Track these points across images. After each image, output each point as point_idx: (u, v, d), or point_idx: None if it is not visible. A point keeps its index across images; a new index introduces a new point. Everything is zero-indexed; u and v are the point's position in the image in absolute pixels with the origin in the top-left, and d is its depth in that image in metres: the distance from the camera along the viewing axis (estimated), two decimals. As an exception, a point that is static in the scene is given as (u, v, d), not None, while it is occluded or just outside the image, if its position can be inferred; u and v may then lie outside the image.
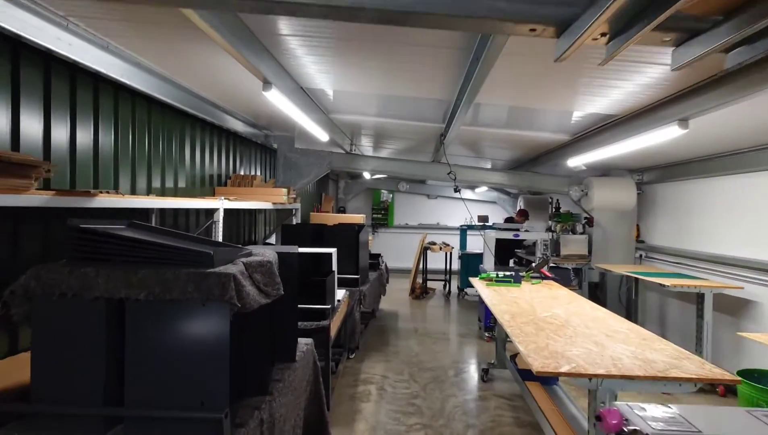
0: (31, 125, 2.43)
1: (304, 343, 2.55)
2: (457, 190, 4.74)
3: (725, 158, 4.58)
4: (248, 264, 1.74)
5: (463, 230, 9.06)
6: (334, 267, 4.00)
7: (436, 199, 12.14)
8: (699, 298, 4.31)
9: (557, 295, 3.81)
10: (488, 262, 6.17)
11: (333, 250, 4.00)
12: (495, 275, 4.29)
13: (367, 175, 10.64)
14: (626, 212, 5.93)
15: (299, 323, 3.21)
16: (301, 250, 4.01)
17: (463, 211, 12.11)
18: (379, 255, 7.09)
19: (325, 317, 3.42)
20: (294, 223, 6.34)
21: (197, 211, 4.14)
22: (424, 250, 9.01)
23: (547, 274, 4.33)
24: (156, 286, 1.44)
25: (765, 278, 4.07)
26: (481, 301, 6.34)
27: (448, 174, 4.72)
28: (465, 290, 8.85)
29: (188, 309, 1.47)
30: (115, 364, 1.47)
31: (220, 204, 3.79)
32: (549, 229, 6.33)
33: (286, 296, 1.99)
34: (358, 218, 8.26)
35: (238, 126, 5.63)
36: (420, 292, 8.73)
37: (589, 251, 6.63)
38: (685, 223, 5.31)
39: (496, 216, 11.30)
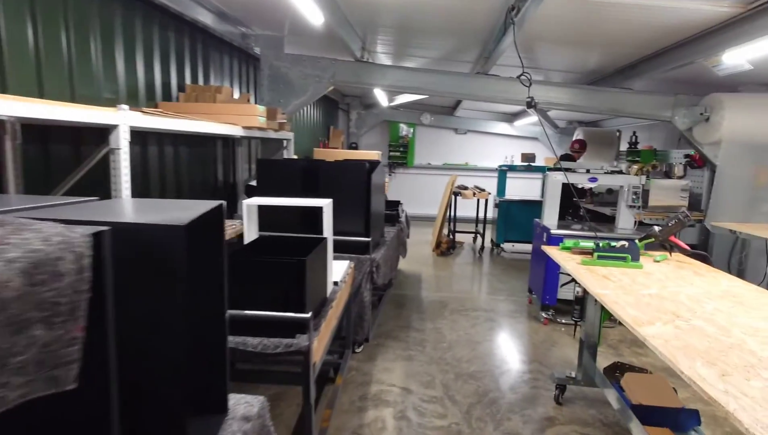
0: None
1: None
2: (532, 106, 2.90)
3: None
4: None
5: (503, 172, 7.25)
6: (327, 232, 2.34)
7: (466, 135, 10.19)
8: None
9: (729, 291, 2.11)
10: (550, 217, 4.45)
11: (325, 203, 2.33)
12: (594, 246, 2.59)
13: (383, 103, 8.70)
14: (764, 149, 4.04)
15: (247, 343, 1.67)
16: (264, 201, 2.35)
17: (499, 149, 10.19)
18: (397, 203, 5.41)
19: (301, 329, 1.82)
20: (285, 157, 4.64)
21: (99, 130, 2.44)
22: (453, 196, 7.29)
23: (682, 244, 2.63)
24: None
25: None
26: (535, 262, 4.70)
27: (519, 77, 2.88)
28: (501, 246, 7.22)
29: None
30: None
31: (120, 118, 2.09)
32: (620, 172, 4.47)
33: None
34: (372, 155, 6.50)
35: (206, 18, 3.81)
36: (447, 247, 7.13)
37: (692, 203, 4.82)
38: None
39: (540, 156, 9.39)
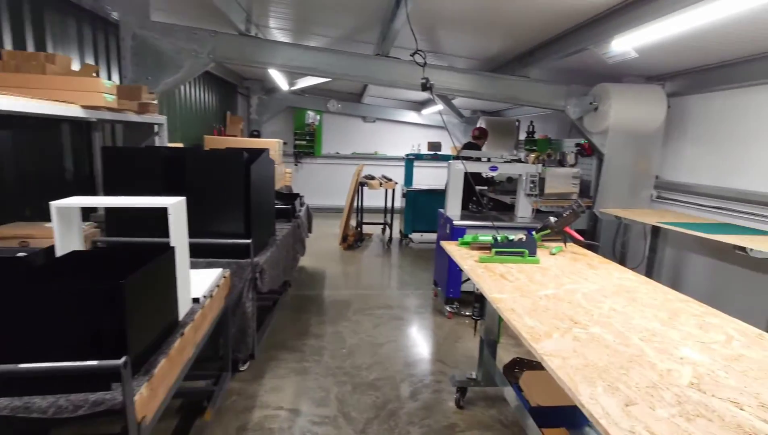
0: None
1: None
2: (427, 87, 2.64)
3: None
4: None
5: (410, 161, 7.10)
6: (177, 239, 1.84)
7: (374, 123, 9.93)
8: (783, 267, 2.80)
9: (622, 286, 2.03)
10: (453, 207, 4.32)
11: (172, 202, 1.82)
12: (492, 240, 2.41)
13: (283, 86, 8.09)
14: (648, 136, 4.26)
15: (31, 407, 1.19)
16: (81, 202, 1.79)
17: (408, 138, 10.07)
18: (296, 196, 4.95)
19: (117, 378, 1.33)
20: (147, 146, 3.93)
21: None
22: (359, 186, 6.99)
23: (576, 235, 2.56)
24: None
25: None
26: (439, 255, 4.57)
27: (413, 55, 2.59)
28: (410, 237, 7.10)
29: None
30: None
31: None
32: (519, 160, 4.49)
33: None
34: (271, 144, 5.93)
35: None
36: (354, 240, 6.83)
37: (582, 190, 5.01)
38: (729, 151, 3.74)
39: (447, 145, 9.46)
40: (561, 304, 1.71)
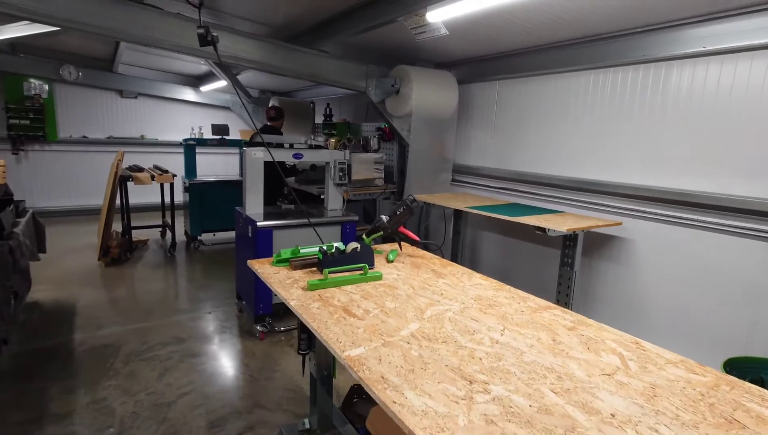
0: None
1: None
2: (208, 41, 1.79)
3: (581, 48, 3.34)
4: None
5: (190, 147, 5.83)
6: None
7: (137, 100, 7.96)
8: (567, 240, 3.11)
9: (482, 297, 1.72)
10: (254, 204, 3.53)
11: None
12: (318, 253, 1.81)
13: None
14: (445, 121, 4.32)
15: None
16: None
17: (186, 120, 8.40)
18: (7, 203, 3.29)
19: None
20: None
21: None
22: (121, 181, 5.38)
23: (413, 235, 2.18)
24: None
25: (627, 207, 3.17)
26: (241, 258, 3.75)
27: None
28: (199, 238, 5.90)
29: None
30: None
31: None
32: (317, 146, 4.02)
33: None
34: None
35: None
36: (121, 251, 5.24)
37: (385, 175, 4.89)
38: (515, 138, 4.10)
39: (235, 128, 8.35)
40: (436, 346, 1.25)
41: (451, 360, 1.18)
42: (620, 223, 3.12)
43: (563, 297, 3.18)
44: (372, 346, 1.24)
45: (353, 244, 1.91)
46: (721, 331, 2.73)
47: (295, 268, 1.89)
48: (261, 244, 3.31)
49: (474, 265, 4.48)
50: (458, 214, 4.20)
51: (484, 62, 4.18)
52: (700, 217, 2.79)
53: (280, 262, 1.95)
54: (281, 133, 5.19)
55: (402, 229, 2.18)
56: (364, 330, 1.34)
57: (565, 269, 3.17)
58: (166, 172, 5.55)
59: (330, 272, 1.74)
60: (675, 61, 2.87)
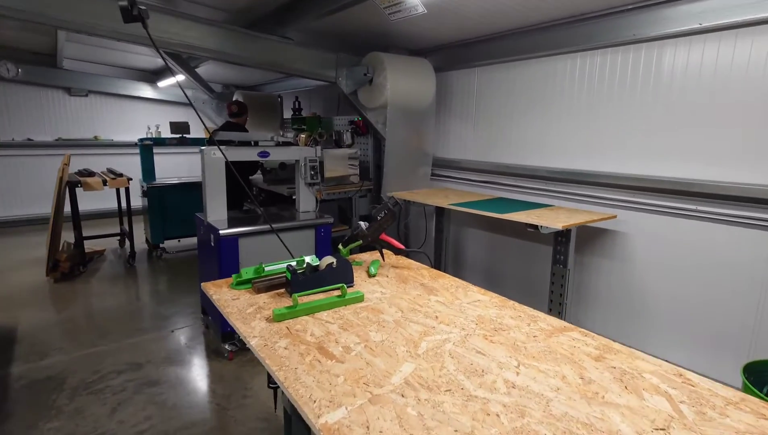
0: None
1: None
2: (133, 15, 1.44)
3: (566, 29, 3.11)
4: None
5: (147, 148, 5.36)
6: None
7: (87, 98, 7.35)
8: (559, 236, 2.90)
9: (485, 319, 1.46)
10: (216, 210, 3.17)
11: None
12: (287, 272, 1.50)
13: None
14: (422, 112, 4.03)
15: None
16: None
17: (143, 119, 7.84)
18: None
19: None
20: None
21: None
22: (70, 187, 4.88)
23: (397, 243, 1.89)
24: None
25: (622, 198, 2.98)
26: (202, 269, 3.38)
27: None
28: (161, 246, 5.46)
29: None
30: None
31: None
32: (285, 142, 3.65)
33: None
34: None
35: None
36: (72, 265, 4.75)
37: (360, 172, 4.59)
38: (498, 128, 3.86)
39: (195, 126, 7.84)
40: (439, 399, 0.97)
41: (461, 420, 0.90)
42: (615, 216, 2.93)
43: (557, 297, 2.97)
44: (356, 403, 0.96)
45: (328, 259, 1.61)
46: (728, 327, 2.57)
47: (259, 291, 1.58)
48: (225, 254, 2.97)
49: (458, 264, 4.24)
50: (440, 211, 3.94)
51: (461, 48, 3.91)
52: (702, 208, 2.61)
53: (241, 283, 1.63)
54: (245, 130, 4.81)
55: (383, 236, 1.89)
56: (344, 378, 1.05)
57: (557, 267, 2.96)
58: (120, 175, 5.07)
59: (301, 295, 1.43)
60: (668, 40, 2.67)
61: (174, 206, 5.32)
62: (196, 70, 5.77)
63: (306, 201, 3.61)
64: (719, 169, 2.53)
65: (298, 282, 1.50)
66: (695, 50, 2.57)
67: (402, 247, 1.89)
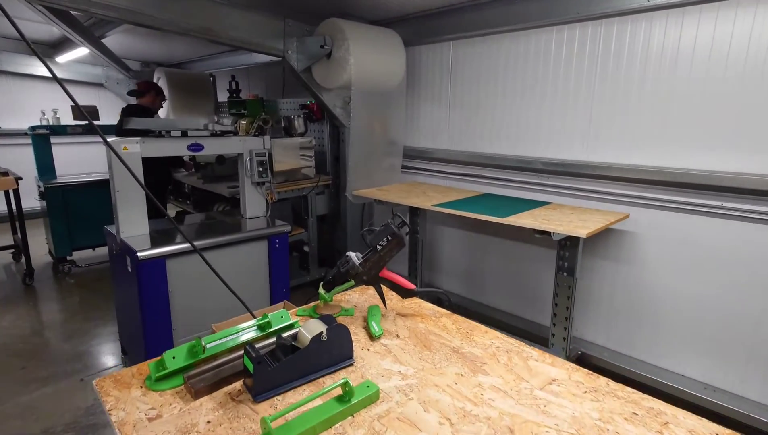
0: None
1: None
2: None
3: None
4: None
5: (41, 137, 4.29)
6: None
7: (-36, 75, 5.92)
8: (564, 239, 2.45)
9: (591, 421, 0.91)
10: (132, 222, 2.39)
11: None
12: (247, 361, 0.87)
13: None
14: (392, 94, 3.42)
15: None
16: None
17: (42, 102, 6.41)
18: None
19: None
20: None
21: None
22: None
23: (406, 282, 1.31)
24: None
25: (631, 193, 2.60)
26: (124, 303, 2.64)
27: None
28: (70, 258, 4.45)
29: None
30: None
31: None
32: (233, 132, 2.89)
33: None
34: None
35: None
36: (-57, 293, 3.67)
37: (317, 165, 3.92)
38: (479, 112, 3.35)
39: (109, 111, 6.68)
40: None
41: None
42: (627, 216, 2.53)
43: (562, 310, 2.55)
44: None
45: (313, 325, 0.99)
46: (753, 335, 2.28)
47: (198, 394, 0.93)
48: (147, 285, 2.21)
49: (433, 268, 3.73)
50: (414, 210, 3.39)
51: (433, 18, 3.33)
52: (728, 204, 2.27)
53: (162, 379, 0.97)
54: (153, 115, 3.96)
55: (385, 271, 1.29)
56: None
57: (562, 276, 2.53)
58: (5, 174, 3.99)
59: (275, 402, 0.81)
60: (702, 5, 2.27)
61: (84, 209, 4.34)
62: (102, 41, 4.71)
63: (254, 205, 2.91)
64: (745, 159, 2.19)
65: (267, 378, 0.88)
66: (725, 21, 2.18)
67: (412, 286, 1.30)
